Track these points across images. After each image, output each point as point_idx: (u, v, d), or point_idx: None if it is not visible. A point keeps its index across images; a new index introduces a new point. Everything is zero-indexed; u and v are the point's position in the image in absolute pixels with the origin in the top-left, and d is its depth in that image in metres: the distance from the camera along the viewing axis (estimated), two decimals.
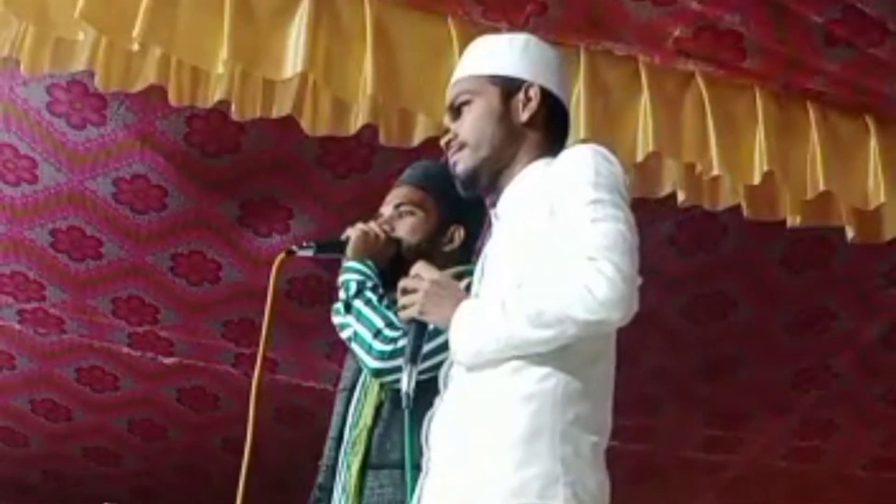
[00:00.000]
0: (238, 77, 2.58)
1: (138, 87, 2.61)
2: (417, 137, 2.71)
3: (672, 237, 3.37)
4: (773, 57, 2.67)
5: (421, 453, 1.71)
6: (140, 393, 4.02)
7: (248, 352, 3.73)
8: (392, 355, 1.97)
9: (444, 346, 1.73)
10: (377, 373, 2.02)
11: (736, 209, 2.85)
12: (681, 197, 2.83)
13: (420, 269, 1.76)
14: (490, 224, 1.86)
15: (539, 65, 1.84)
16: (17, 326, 3.72)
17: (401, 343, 1.91)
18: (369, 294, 2.08)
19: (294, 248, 2.23)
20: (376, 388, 2.07)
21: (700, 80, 2.76)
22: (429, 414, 1.73)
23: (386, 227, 2.21)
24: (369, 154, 3.07)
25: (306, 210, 3.28)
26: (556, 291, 1.56)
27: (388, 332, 2.00)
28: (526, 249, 1.67)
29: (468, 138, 1.81)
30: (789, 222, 2.88)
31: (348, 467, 2.05)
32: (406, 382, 1.72)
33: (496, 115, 1.80)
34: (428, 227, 2.22)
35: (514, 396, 1.58)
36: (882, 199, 2.80)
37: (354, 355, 2.09)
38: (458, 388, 1.68)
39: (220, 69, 2.46)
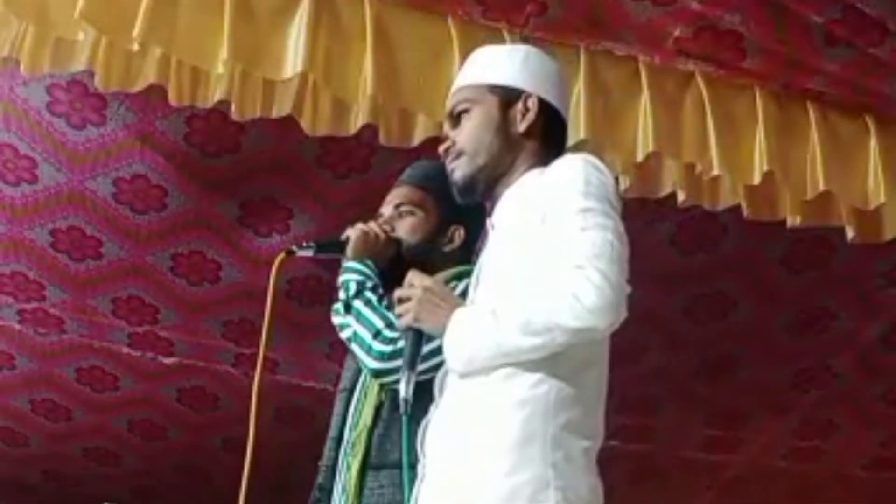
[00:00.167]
0: (238, 77, 2.58)
1: (138, 87, 2.61)
2: (417, 137, 2.71)
3: (672, 237, 3.37)
4: (773, 57, 2.67)
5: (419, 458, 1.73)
6: (140, 393, 4.02)
7: (248, 352, 3.74)
8: (392, 356, 1.97)
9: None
10: (377, 373, 2.02)
11: (736, 209, 2.85)
12: (681, 197, 2.83)
13: (412, 277, 1.78)
14: (487, 232, 1.88)
15: (538, 76, 1.87)
16: (17, 326, 3.72)
17: (400, 344, 1.90)
18: (369, 294, 2.08)
19: (294, 248, 2.23)
20: (376, 388, 2.07)
21: (700, 80, 2.76)
22: (424, 421, 1.75)
23: (386, 227, 2.21)
24: (369, 154, 3.07)
25: (306, 210, 3.28)
26: (545, 300, 1.58)
27: (388, 333, 2.00)
28: (518, 258, 1.69)
29: (466, 146, 1.83)
30: (789, 222, 2.88)
31: (348, 468, 2.05)
32: (404, 389, 1.73)
33: (494, 124, 1.83)
34: (428, 227, 2.22)
35: (507, 402, 1.60)
36: (882, 199, 2.80)
37: (354, 356, 2.09)
38: (452, 395, 1.71)
39: (220, 69, 2.46)
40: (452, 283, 2.03)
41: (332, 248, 2.22)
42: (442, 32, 2.61)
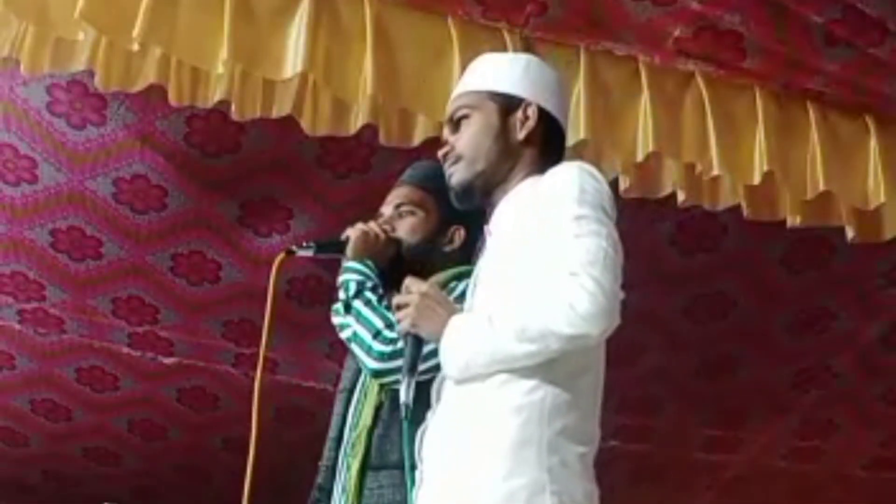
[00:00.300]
0: (238, 77, 2.58)
1: (138, 87, 2.61)
2: (417, 137, 2.71)
3: (672, 237, 3.37)
4: (773, 57, 2.67)
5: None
6: (140, 393, 4.02)
7: (248, 352, 3.73)
8: (391, 356, 1.97)
9: None
10: (376, 373, 2.02)
11: (736, 209, 2.85)
12: (681, 197, 2.83)
13: (410, 283, 1.79)
14: (485, 238, 1.89)
15: (539, 85, 1.89)
16: (17, 326, 3.72)
17: (400, 344, 1.90)
18: (369, 294, 2.08)
19: (294, 248, 2.22)
20: (376, 388, 2.07)
21: (700, 80, 2.76)
22: (421, 427, 1.76)
23: (386, 227, 2.21)
24: (369, 154, 3.07)
25: (306, 210, 3.28)
26: (540, 307, 1.60)
27: (388, 333, 2.00)
28: (514, 264, 1.70)
29: (465, 151, 1.85)
30: (789, 222, 2.88)
31: (348, 468, 2.05)
32: (404, 393, 1.73)
33: (494, 130, 1.85)
34: (428, 228, 2.22)
35: (503, 408, 1.62)
36: (882, 199, 2.80)
37: (354, 356, 2.09)
38: (449, 401, 1.72)
39: (220, 69, 2.46)
40: (452, 284, 2.03)
41: (332, 248, 2.22)
42: (442, 32, 2.61)
